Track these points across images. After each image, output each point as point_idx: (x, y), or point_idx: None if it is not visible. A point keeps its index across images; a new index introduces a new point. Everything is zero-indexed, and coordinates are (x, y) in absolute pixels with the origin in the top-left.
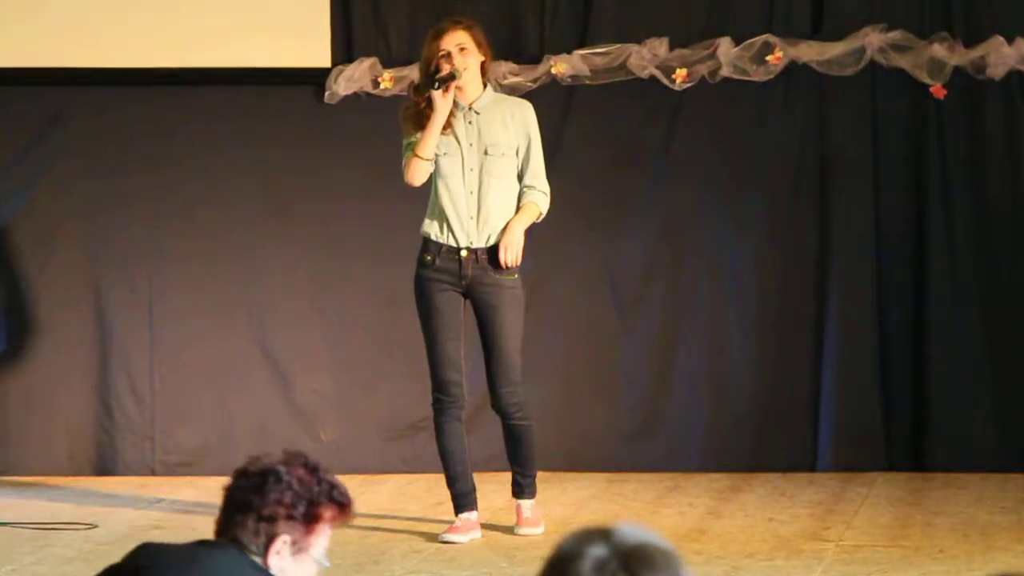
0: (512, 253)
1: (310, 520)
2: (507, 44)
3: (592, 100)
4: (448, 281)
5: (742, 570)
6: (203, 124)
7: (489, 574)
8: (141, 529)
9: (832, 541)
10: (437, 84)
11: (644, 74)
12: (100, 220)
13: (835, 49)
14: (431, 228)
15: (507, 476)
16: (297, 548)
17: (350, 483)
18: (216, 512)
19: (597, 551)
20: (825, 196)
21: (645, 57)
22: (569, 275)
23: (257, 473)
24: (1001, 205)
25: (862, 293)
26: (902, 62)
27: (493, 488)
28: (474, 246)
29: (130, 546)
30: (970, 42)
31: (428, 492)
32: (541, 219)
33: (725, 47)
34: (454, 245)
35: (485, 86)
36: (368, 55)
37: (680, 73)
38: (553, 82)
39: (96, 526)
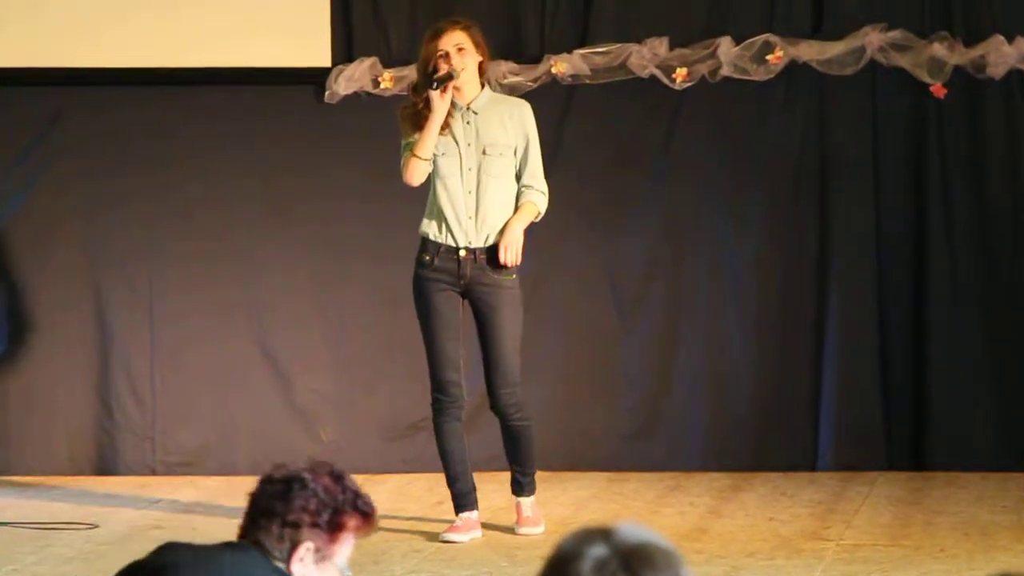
0: (512, 253)
1: (334, 528)
2: (507, 44)
3: (592, 100)
4: (446, 281)
5: (743, 569)
6: (203, 124)
7: (489, 573)
8: (141, 529)
9: (833, 540)
10: (435, 84)
11: (644, 73)
12: (100, 220)
13: (835, 48)
14: (429, 228)
15: (507, 476)
16: (320, 556)
17: None
18: (216, 513)
19: (597, 551)
20: (825, 196)
21: (645, 56)
22: (569, 275)
23: (283, 480)
24: (1001, 205)
25: (862, 293)
26: (902, 61)
27: (493, 488)
28: (472, 246)
29: (131, 546)
30: (970, 41)
31: (428, 492)
32: (539, 219)
33: (725, 46)
34: (452, 245)
35: (483, 86)
36: (368, 55)
37: (680, 72)
38: (553, 82)
39: (96, 526)
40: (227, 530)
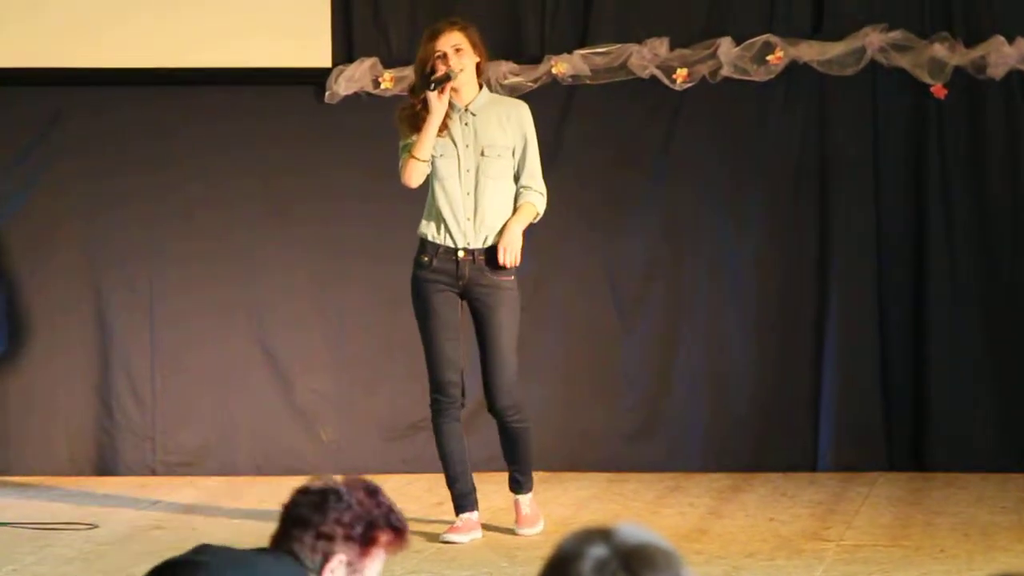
0: (511, 254)
1: (367, 543)
2: (507, 44)
3: (593, 100)
4: (445, 282)
5: (743, 570)
6: (203, 124)
7: (490, 574)
8: (142, 529)
9: (833, 541)
10: (433, 85)
11: (645, 74)
12: (100, 220)
13: (836, 49)
14: (428, 229)
15: (507, 476)
16: (352, 569)
17: None
18: (216, 513)
19: (597, 551)
20: (825, 196)
21: (646, 57)
22: (569, 275)
23: (318, 491)
24: (1001, 205)
25: (862, 293)
26: (903, 62)
27: (493, 488)
28: (471, 247)
29: (131, 546)
30: (971, 42)
31: (428, 492)
32: (538, 219)
33: (726, 47)
34: (451, 246)
35: (481, 87)
36: (369, 55)
37: (681, 73)
38: (554, 82)
39: (97, 526)
40: (228, 530)
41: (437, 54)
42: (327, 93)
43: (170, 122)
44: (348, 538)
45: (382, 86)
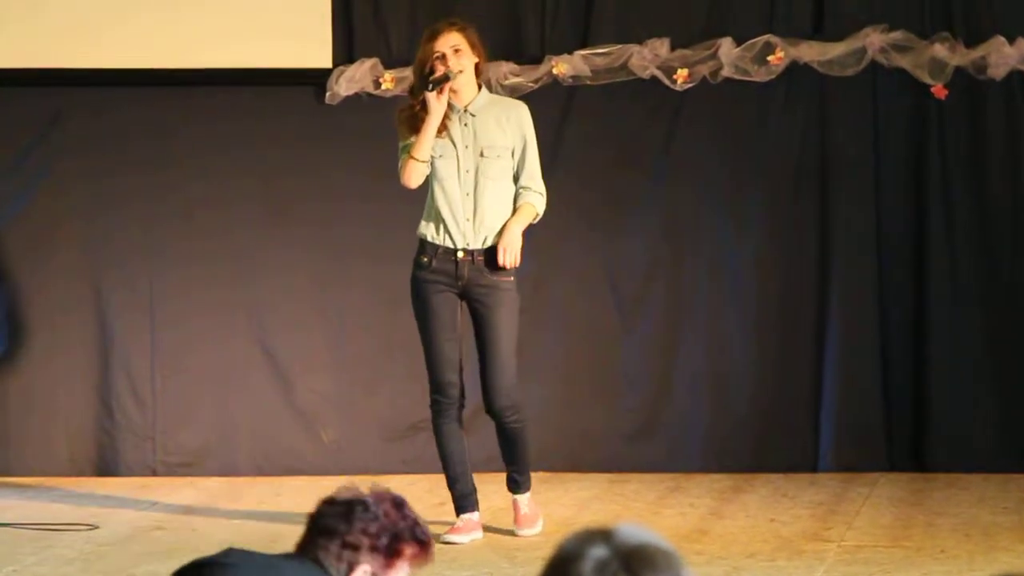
0: (510, 255)
1: (392, 554)
2: (508, 45)
3: (593, 100)
4: (444, 282)
5: (743, 571)
6: (204, 125)
7: (490, 574)
8: (142, 530)
9: (834, 541)
10: (431, 86)
11: (645, 74)
12: (100, 221)
13: (836, 49)
14: (427, 230)
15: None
16: None
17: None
18: (216, 514)
19: (598, 552)
20: (826, 196)
21: (646, 57)
22: (570, 275)
23: (345, 502)
24: (1001, 205)
25: (862, 293)
26: (903, 62)
27: (494, 489)
28: (470, 247)
29: (131, 547)
30: (971, 42)
31: (429, 493)
32: (538, 220)
33: (726, 47)
34: (450, 247)
35: (480, 88)
36: (369, 56)
37: (681, 73)
38: (554, 82)
39: (97, 527)
40: (228, 531)
41: (436, 55)
42: (328, 94)
43: (170, 122)
44: (374, 549)
45: (383, 87)
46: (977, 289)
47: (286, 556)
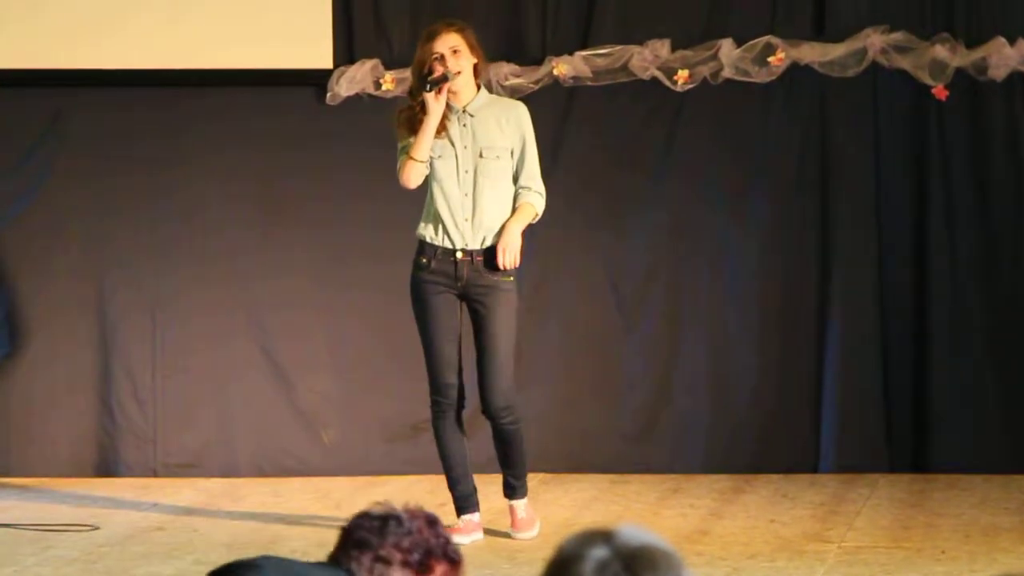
0: (510, 255)
1: (423, 570)
2: (509, 45)
3: (594, 101)
4: (444, 283)
5: (744, 571)
6: (205, 125)
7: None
8: (143, 531)
9: (834, 542)
10: (429, 86)
11: (646, 75)
12: (102, 222)
13: (837, 50)
14: (426, 231)
15: None
16: None
17: (352, 485)
18: (217, 515)
19: (599, 553)
20: (826, 197)
21: (647, 58)
22: (571, 276)
23: (379, 516)
24: (1002, 206)
25: (863, 294)
26: (904, 63)
27: (494, 490)
28: (469, 248)
29: (132, 548)
30: (972, 43)
31: (430, 493)
32: (537, 220)
33: (727, 48)
34: (449, 247)
35: (479, 88)
36: (370, 56)
37: (682, 74)
38: (555, 83)
39: (98, 528)
40: (229, 532)
41: (434, 55)
42: (328, 94)
43: (171, 123)
44: (405, 564)
45: (383, 87)
46: (978, 290)
47: (318, 565)
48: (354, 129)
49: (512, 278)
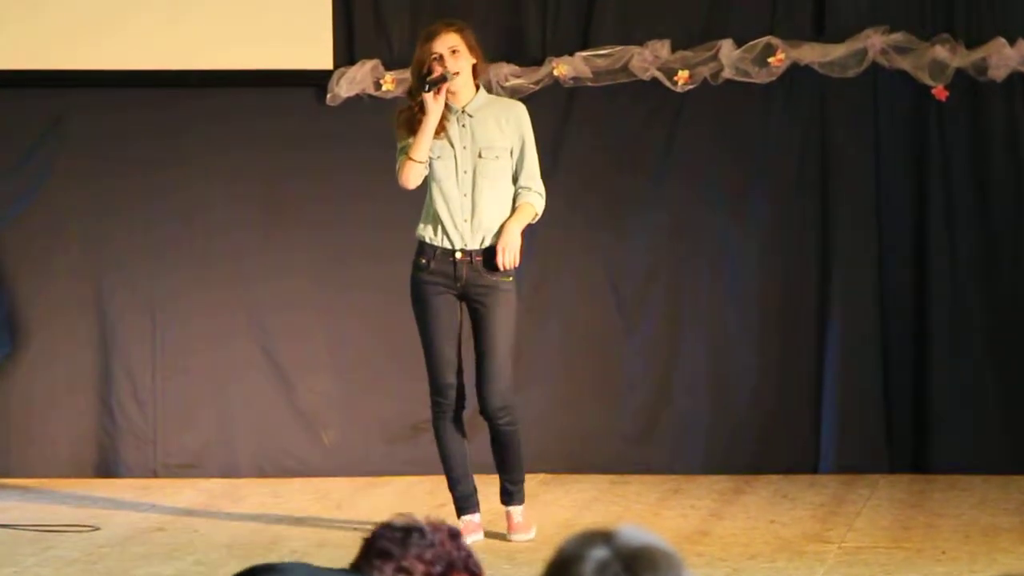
0: (509, 255)
1: None
2: (509, 46)
3: (594, 102)
4: (444, 284)
5: (744, 572)
6: (205, 126)
7: None
8: (143, 531)
9: (834, 543)
10: (428, 87)
11: (646, 76)
12: (102, 222)
13: (837, 51)
14: (425, 231)
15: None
16: None
17: (352, 485)
18: (217, 515)
19: (599, 553)
20: (826, 197)
21: (647, 59)
22: (571, 276)
23: (403, 528)
24: (1002, 206)
25: (863, 295)
26: (904, 64)
27: (494, 491)
28: (468, 248)
29: (132, 548)
30: (972, 43)
31: (431, 494)
32: (536, 220)
33: (727, 49)
34: (448, 248)
35: (478, 88)
36: (370, 57)
37: (682, 75)
38: (555, 84)
39: (98, 528)
40: (229, 533)
41: (433, 56)
42: (328, 95)
43: (172, 124)
44: (427, 575)
45: (383, 88)
46: (977, 289)
47: (341, 571)
48: (354, 130)
49: (511, 278)
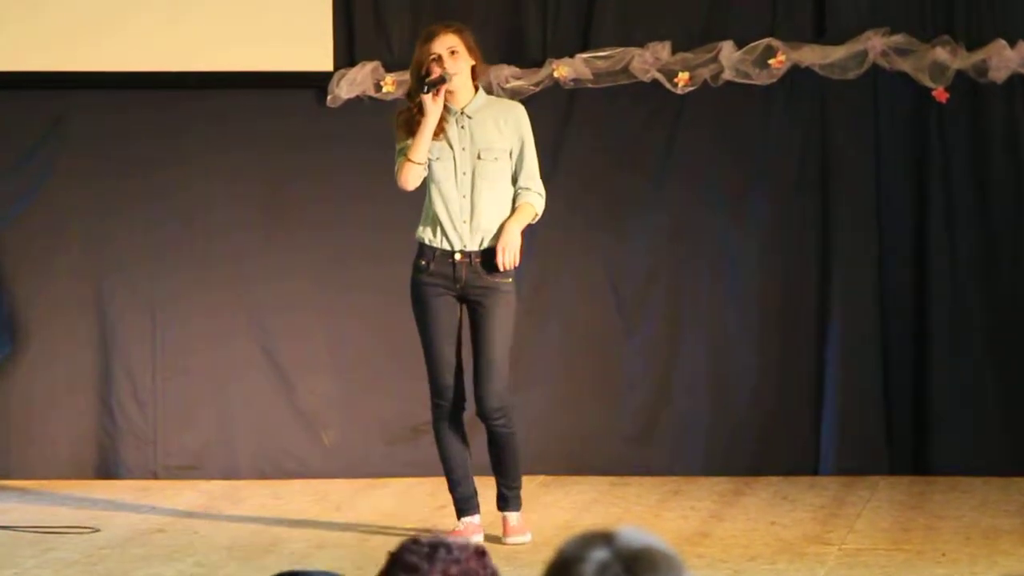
0: (509, 254)
1: None
2: (509, 47)
3: (594, 103)
4: (443, 285)
5: (744, 574)
6: (205, 127)
7: None
8: (143, 533)
9: (835, 545)
10: (427, 88)
11: (646, 77)
12: (102, 223)
13: (837, 52)
14: (425, 233)
15: None
16: None
17: (352, 487)
18: (218, 517)
19: (599, 555)
20: (827, 199)
21: (647, 60)
22: (571, 278)
23: (429, 543)
24: (1002, 207)
25: (864, 296)
26: (904, 65)
27: (494, 492)
28: (467, 249)
29: (132, 550)
30: (972, 45)
31: (431, 495)
32: (536, 220)
33: (727, 51)
34: (448, 249)
35: (477, 90)
36: (370, 59)
37: (682, 77)
38: (555, 85)
39: (98, 530)
40: (229, 534)
41: (432, 57)
42: (329, 97)
43: (172, 125)
44: None
45: (384, 89)
46: (977, 289)
47: None
48: (354, 131)
49: (511, 279)
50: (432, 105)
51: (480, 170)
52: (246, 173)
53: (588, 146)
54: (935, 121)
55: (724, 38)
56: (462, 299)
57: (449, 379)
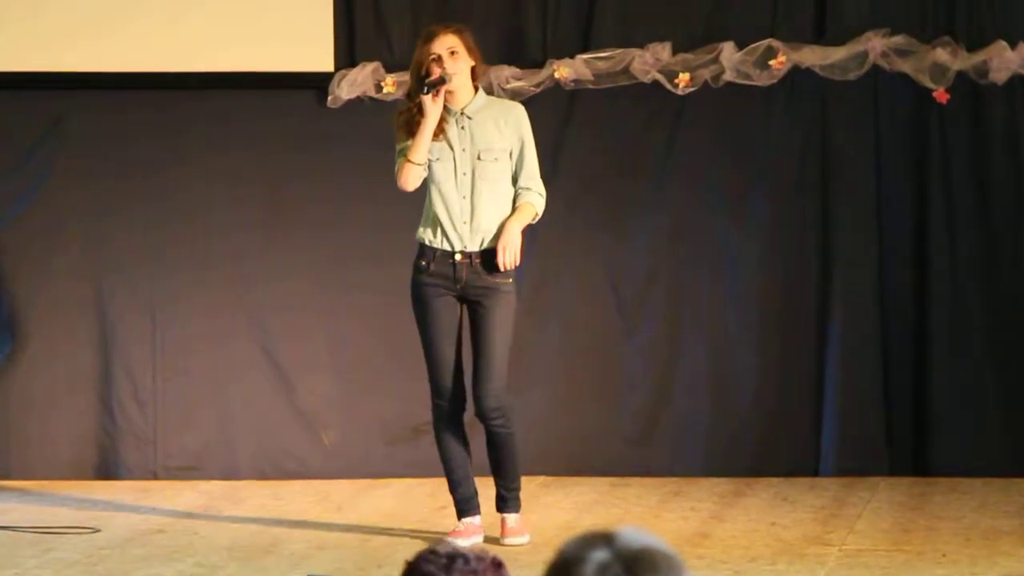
0: (510, 254)
1: None
2: (510, 48)
3: (595, 104)
4: (444, 286)
5: (745, 575)
6: (205, 128)
7: None
8: (143, 533)
9: (835, 546)
10: (427, 88)
11: (647, 78)
12: (102, 223)
13: (838, 53)
14: (425, 234)
15: None
16: None
17: (352, 487)
18: (218, 517)
19: (600, 555)
20: (827, 200)
21: (648, 61)
22: (571, 278)
23: (447, 555)
24: (1002, 208)
25: (864, 297)
26: (905, 66)
27: (494, 493)
28: (468, 250)
29: (132, 550)
30: (973, 46)
31: (431, 496)
32: (536, 220)
33: (728, 52)
34: (448, 249)
35: (476, 90)
36: (371, 59)
37: (683, 77)
38: (556, 86)
39: (98, 530)
40: (229, 535)
41: (432, 57)
42: (329, 97)
43: (172, 125)
44: None
45: (384, 90)
46: (977, 289)
47: None
48: (355, 132)
49: (511, 280)
50: (432, 106)
51: (480, 171)
52: (246, 174)
53: (588, 147)
54: (935, 122)
55: (725, 39)
56: (462, 299)
57: (449, 380)
